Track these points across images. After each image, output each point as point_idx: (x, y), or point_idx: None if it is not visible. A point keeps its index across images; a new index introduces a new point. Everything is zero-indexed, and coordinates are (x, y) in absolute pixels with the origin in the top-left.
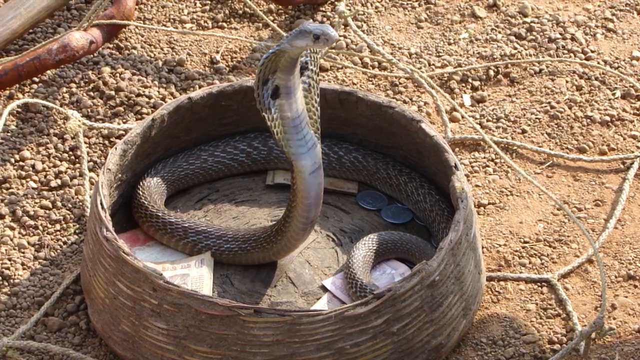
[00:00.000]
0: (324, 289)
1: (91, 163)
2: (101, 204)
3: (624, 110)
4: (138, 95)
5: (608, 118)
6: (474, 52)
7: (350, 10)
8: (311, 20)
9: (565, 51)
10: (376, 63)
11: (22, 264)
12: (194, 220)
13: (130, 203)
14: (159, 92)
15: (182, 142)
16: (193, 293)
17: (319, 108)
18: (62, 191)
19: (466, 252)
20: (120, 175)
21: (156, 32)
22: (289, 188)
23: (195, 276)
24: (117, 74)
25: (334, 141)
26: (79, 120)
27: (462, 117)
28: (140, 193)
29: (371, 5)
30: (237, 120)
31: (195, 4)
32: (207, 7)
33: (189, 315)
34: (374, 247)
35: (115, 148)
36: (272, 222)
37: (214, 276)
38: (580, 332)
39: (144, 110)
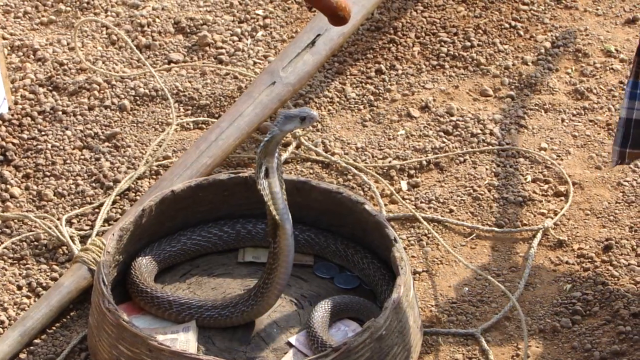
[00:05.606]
0: (290, 345)
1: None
2: (103, 281)
3: (534, 192)
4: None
5: (521, 199)
6: (409, 146)
7: (302, 130)
8: (285, 109)
9: (485, 144)
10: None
11: None
12: (177, 293)
13: (126, 280)
14: (149, 183)
15: (167, 227)
16: (182, 352)
17: (284, 184)
18: (67, 264)
19: (406, 310)
20: (117, 256)
21: (147, 132)
22: (257, 265)
23: (182, 340)
24: (115, 168)
25: (292, 223)
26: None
27: (400, 201)
28: (133, 273)
29: (324, 108)
30: (211, 208)
31: (179, 110)
32: (190, 112)
33: None
34: (330, 309)
35: (113, 234)
36: (244, 290)
37: (198, 337)
38: None
39: (137, 197)
